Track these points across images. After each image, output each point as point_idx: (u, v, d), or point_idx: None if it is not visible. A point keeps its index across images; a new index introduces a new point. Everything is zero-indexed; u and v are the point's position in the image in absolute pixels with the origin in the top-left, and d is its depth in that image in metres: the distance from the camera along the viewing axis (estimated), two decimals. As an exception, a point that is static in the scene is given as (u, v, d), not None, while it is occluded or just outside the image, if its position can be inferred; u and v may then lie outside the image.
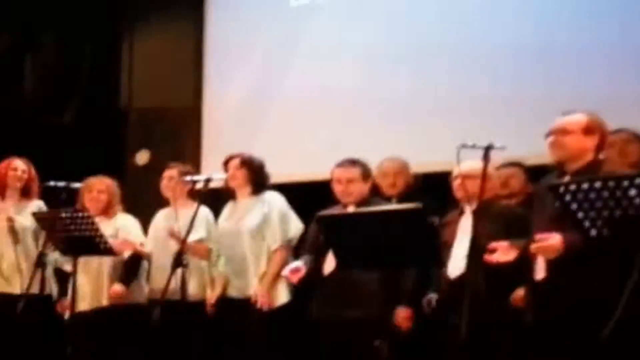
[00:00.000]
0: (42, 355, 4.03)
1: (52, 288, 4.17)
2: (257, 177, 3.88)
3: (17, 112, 5.68)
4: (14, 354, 3.94)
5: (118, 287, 3.95)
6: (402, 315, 3.27)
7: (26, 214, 4.20)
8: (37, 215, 3.92)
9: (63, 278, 4.16)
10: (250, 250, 3.75)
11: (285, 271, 3.42)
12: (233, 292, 3.77)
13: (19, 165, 4.26)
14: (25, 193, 4.30)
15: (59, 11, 5.68)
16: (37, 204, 4.28)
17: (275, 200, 3.84)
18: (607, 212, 2.07)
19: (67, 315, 3.90)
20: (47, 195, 4.20)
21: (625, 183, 2.00)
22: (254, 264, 3.71)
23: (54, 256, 3.99)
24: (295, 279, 3.36)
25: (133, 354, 4.07)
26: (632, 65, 3.90)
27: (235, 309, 3.76)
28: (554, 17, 4.21)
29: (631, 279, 2.02)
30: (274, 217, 3.76)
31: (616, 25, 4.00)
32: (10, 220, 4.12)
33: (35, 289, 3.81)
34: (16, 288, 4.02)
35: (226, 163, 3.95)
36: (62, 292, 4.17)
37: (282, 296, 3.68)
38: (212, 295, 3.84)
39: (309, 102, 5.03)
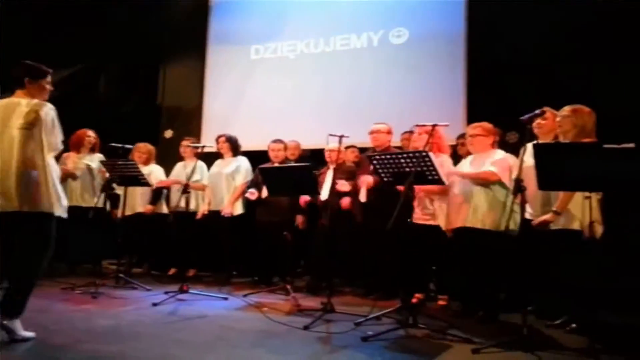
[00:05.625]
0: (101, 243, 5.54)
1: (107, 204, 5.54)
2: (234, 147, 5.60)
3: (95, 104, 7.51)
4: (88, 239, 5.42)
5: (149, 206, 5.67)
6: (300, 219, 5.09)
7: (94, 160, 5.71)
8: (104, 162, 5.25)
9: (115, 198, 5.62)
10: (226, 185, 5.46)
11: (247, 193, 5.03)
12: (213, 207, 5.48)
13: (91, 134, 5.82)
14: (92, 150, 5.82)
15: (122, 49, 7.50)
16: (99, 156, 5.76)
17: (243, 160, 5.58)
18: (390, 169, 3.57)
19: (118, 218, 5.46)
20: (110, 151, 5.44)
21: (398, 156, 3.48)
22: (227, 192, 5.42)
23: (112, 184, 5.25)
24: (252, 197, 5.03)
25: (154, 239, 5.76)
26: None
27: (214, 216, 5.40)
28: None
29: (400, 200, 3.30)
30: (241, 168, 5.48)
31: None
32: (86, 164, 5.66)
33: (100, 204, 5.18)
34: (88, 203, 5.53)
35: (217, 139, 5.63)
36: (113, 206, 5.70)
37: (239, 209, 5.43)
38: (204, 209, 5.52)
39: (256, 108, 7.07)
